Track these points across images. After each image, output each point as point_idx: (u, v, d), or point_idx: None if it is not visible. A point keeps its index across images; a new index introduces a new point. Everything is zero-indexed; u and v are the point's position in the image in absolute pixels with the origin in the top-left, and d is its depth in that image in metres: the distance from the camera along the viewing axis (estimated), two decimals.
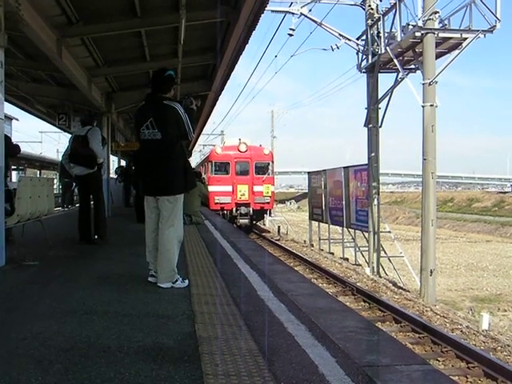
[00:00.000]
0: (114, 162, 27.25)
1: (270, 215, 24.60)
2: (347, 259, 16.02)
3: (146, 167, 4.45)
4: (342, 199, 16.25)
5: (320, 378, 2.43)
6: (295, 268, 11.85)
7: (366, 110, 14.91)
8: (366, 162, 14.75)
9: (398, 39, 12.45)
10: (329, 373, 2.49)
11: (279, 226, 24.73)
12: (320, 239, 19.08)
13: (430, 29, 11.49)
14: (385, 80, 15.54)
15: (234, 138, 24.11)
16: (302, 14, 14.80)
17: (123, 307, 3.65)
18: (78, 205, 9.05)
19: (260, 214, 22.18)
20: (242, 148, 21.47)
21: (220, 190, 20.67)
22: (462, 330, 8.15)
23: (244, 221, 20.97)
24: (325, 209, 18.44)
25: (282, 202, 65.29)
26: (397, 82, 13.82)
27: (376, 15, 14.16)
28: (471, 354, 6.38)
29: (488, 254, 22.75)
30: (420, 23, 11.44)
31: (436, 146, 11.71)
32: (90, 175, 7.04)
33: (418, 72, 12.70)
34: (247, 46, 9.39)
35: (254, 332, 3.10)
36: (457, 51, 11.95)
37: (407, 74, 13.38)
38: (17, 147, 6.96)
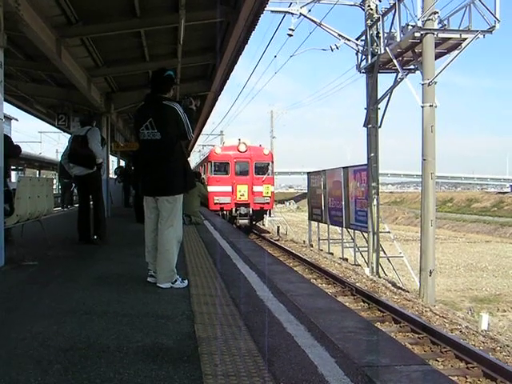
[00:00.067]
0: (113, 162, 27.27)
1: (269, 215, 24.60)
2: (346, 259, 16.03)
3: (145, 167, 4.45)
4: (342, 199, 16.25)
5: (319, 378, 2.43)
6: (294, 268, 11.84)
7: (365, 111, 14.93)
8: (366, 163, 14.76)
9: (398, 39, 12.46)
10: (328, 373, 2.49)
11: (278, 227, 24.74)
12: (319, 239, 19.09)
13: (430, 29, 11.50)
14: (384, 80, 15.62)
15: (233, 138, 24.09)
16: (301, 14, 14.81)
17: (122, 307, 3.65)
18: (77, 205, 9.05)
19: (260, 214, 22.14)
20: (242, 148, 21.43)
21: (219, 191, 20.64)
22: (461, 330, 8.16)
23: (244, 221, 20.93)
24: (324, 209, 18.45)
25: (282, 202, 65.30)
26: (396, 83, 13.84)
27: (375, 15, 14.18)
28: (470, 355, 6.38)
29: (487, 255, 22.77)
30: (419, 23, 11.44)
31: (435, 147, 11.72)
32: (89, 175, 7.04)
33: (418, 72, 12.71)
34: (247, 46, 9.40)
35: (253, 332, 3.10)
36: (456, 51, 11.96)
37: (406, 75, 13.39)
38: (18, 148, 6.96)
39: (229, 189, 20.90)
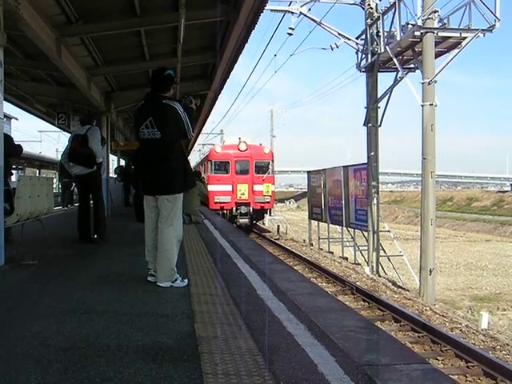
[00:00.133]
0: (113, 161, 27.28)
1: (269, 214, 24.57)
2: (346, 258, 16.03)
3: (145, 166, 4.44)
4: (342, 198, 16.25)
5: (319, 377, 2.43)
6: (295, 267, 11.84)
7: (365, 109, 14.92)
8: (366, 161, 14.75)
9: (398, 38, 12.44)
10: (328, 372, 2.49)
11: (279, 226, 24.73)
12: (319, 238, 19.09)
13: (430, 28, 11.49)
14: (384, 79, 15.59)
15: (233, 136, 24.03)
16: (301, 13, 14.80)
17: (122, 306, 3.65)
18: (77, 204, 9.05)
19: (260, 213, 22.08)
20: (242, 147, 21.36)
21: (220, 190, 20.60)
22: (461, 329, 8.15)
23: (244, 220, 20.88)
24: (324, 208, 18.45)
25: (282, 201, 65.30)
26: (396, 81, 13.83)
27: (375, 14, 14.16)
28: (470, 353, 6.38)
29: (487, 253, 22.77)
30: (419, 22, 11.43)
31: (435, 145, 11.72)
32: (89, 174, 7.04)
33: (418, 71, 12.70)
34: (247, 45, 9.39)
35: (253, 331, 3.10)
36: (456, 50, 11.96)
37: (406, 74, 13.39)
38: (19, 147, 6.96)
39: (229, 188, 20.86)
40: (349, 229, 16.44)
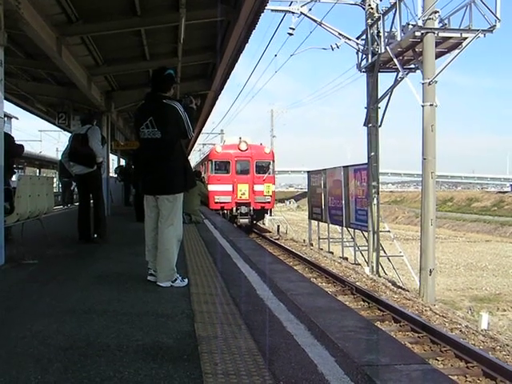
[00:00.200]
0: (113, 160, 27.27)
1: (270, 215, 24.54)
2: (346, 258, 16.03)
3: (145, 166, 4.44)
4: (342, 198, 16.26)
5: (319, 377, 2.43)
6: (295, 267, 11.84)
7: (365, 110, 14.92)
8: (366, 162, 14.75)
9: (398, 39, 12.45)
10: (328, 372, 2.49)
11: (279, 226, 24.71)
12: (319, 238, 19.09)
13: (430, 28, 11.50)
14: (385, 79, 15.57)
15: (234, 136, 24.02)
16: (301, 13, 14.80)
17: (122, 306, 3.65)
18: (77, 203, 9.05)
19: (260, 213, 22.04)
20: (243, 147, 21.32)
21: (220, 190, 20.57)
22: (461, 329, 8.16)
23: (244, 220, 20.84)
24: (324, 208, 18.45)
25: (282, 201, 65.31)
26: (396, 82, 13.83)
27: (376, 15, 14.17)
28: (470, 354, 6.39)
29: (487, 254, 22.77)
30: (420, 23, 11.44)
31: (436, 146, 11.72)
32: (89, 174, 7.04)
33: (418, 71, 12.71)
34: (247, 45, 9.39)
35: (253, 331, 3.10)
36: (457, 51, 11.96)
37: (407, 74, 13.39)
38: (20, 147, 6.96)
39: (229, 188, 20.83)
40: (349, 229, 16.44)
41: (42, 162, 35.50)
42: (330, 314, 3.95)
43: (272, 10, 14.81)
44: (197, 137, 30.80)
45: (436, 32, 11.54)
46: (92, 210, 7.26)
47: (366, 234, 14.91)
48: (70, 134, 8.61)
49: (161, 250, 4.28)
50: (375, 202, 14.30)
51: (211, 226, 10.79)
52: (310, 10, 14.85)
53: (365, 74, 15.01)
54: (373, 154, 14.56)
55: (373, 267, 14.15)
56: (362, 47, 14.75)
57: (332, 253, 17.12)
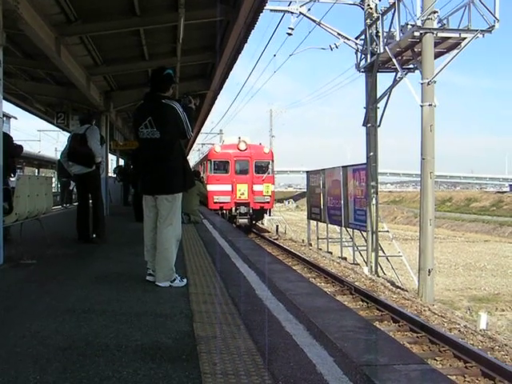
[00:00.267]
0: (112, 160, 27.31)
1: (269, 215, 24.52)
2: (345, 258, 16.04)
3: (144, 166, 4.45)
4: (341, 198, 16.26)
5: (318, 377, 2.43)
6: (293, 267, 11.85)
7: (364, 110, 14.93)
8: (365, 162, 14.76)
9: (397, 39, 12.45)
10: (327, 372, 2.49)
11: (277, 226, 24.70)
12: (318, 238, 19.10)
13: (429, 28, 11.50)
14: (383, 79, 15.69)
15: (233, 136, 23.99)
16: (300, 13, 14.81)
17: (121, 306, 3.65)
18: (76, 203, 9.04)
19: (260, 213, 21.98)
20: (242, 146, 21.27)
21: (219, 190, 20.52)
22: (459, 329, 8.16)
23: (243, 220, 20.80)
24: (323, 208, 18.45)
25: (281, 201, 65.31)
26: (395, 82, 13.85)
27: (375, 15, 14.17)
28: (469, 354, 6.39)
29: (486, 254, 22.78)
30: (419, 23, 11.44)
31: (434, 146, 11.72)
32: (88, 174, 7.04)
33: (417, 71, 12.72)
34: (246, 44, 9.40)
35: (252, 331, 3.10)
36: (455, 51, 11.97)
37: (406, 74, 13.40)
38: (19, 148, 6.96)
39: (228, 188, 20.78)
40: (348, 229, 16.45)
41: (40, 162, 35.44)
42: (328, 313, 3.95)
43: (271, 10, 14.83)
44: (196, 136, 30.77)
45: (435, 32, 11.55)
46: (91, 209, 7.26)
47: (364, 234, 14.92)
48: (68, 134, 8.61)
49: (160, 250, 4.28)
50: (374, 201, 14.31)
51: (210, 226, 10.79)
52: (309, 10, 14.88)
53: (364, 73, 15.02)
54: (372, 154, 14.57)
55: (372, 267, 14.16)
56: (360, 47, 14.76)
57: (331, 253, 17.12)
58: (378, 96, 14.53)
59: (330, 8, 18.69)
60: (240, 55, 10.17)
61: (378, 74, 14.43)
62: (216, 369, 2.45)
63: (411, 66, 13.70)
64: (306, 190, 24.14)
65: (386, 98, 14.31)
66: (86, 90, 10.90)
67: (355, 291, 10.04)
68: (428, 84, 11.52)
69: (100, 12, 7.97)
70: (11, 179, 6.90)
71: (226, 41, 9.23)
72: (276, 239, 20.24)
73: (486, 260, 20.67)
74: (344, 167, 16.24)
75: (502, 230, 35.39)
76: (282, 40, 16.64)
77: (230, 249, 7.13)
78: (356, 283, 11.12)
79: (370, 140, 14.70)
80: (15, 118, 37.60)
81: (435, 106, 11.64)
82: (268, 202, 21.50)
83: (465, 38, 11.52)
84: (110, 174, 20.27)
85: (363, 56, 14.66)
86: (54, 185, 22.88)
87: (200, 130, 25.12)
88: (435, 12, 11.60)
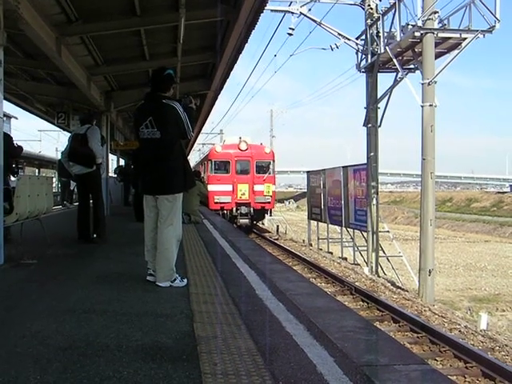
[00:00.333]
0: (112, 160, 27.31)
1: (270, 215, 24.48)
2: (346, 259, 16.03)
3: (145, 166, 4.44)
4: (341, 199, 16.25)
5: (318, 377, 2.43)
6: (294, 267, 11.85)
7: (365, 110, 14.93)
8: (365, 162, 14.76)
9: (398, 39, 12.45)
10: (327, 372, 2.49)
11: (278, 226, 24.69)
12: (319, 239, 19.09)
13: (430, 29, 11.49)
14: (384, 80, 15.58)
15: (234, 135, 23.93)
16: (301, 13, 14.80)
17: (122, 306, 3.65)
18: (76, 203, 9.06)
19: (261, 213, 21.89)
20: (243, 146, 21.20)
21: (220, 190, 20.46)
22: (460, 329, 8.16)
23: (244, 221, 20.71)
24: (323, 208, 18.44)
25: (281, 201, 65.30)
26: (396, 82, 13.83)
27: (375, 15, 14.17)
28: (469, 354, 6.39)
29: (486, 254, 22.78)
30: (419, 23, 11.43)
31: (435, 146, 11.72)
32: (89, 174, 7.04)
33: (418, 72, 12.70)
34: (247, 44, 9.41)
35: (252, 331, 3.10)
36: (456, 51, 11.96)
37: (406, 74, 13.39)
38: (19, 149, 6.95)
39: (229, 188, 20.72)
40: (348, 229, 16.44)
41: (41, 162, 35.45)
42: (329, 314, 3.95)
43: (271, 10, 14.83)
44: (196, 137, 30.79)
45: (435, 32, 11.54)
46: (91, 209, 7.26)
47: (365, 234, 14.91)
48: (69, 134, 8.61)
49: (160, 250, 4.28)
50: (374, 202, 14.30)
51: (210, 226, 10.80)
52: (310, 10, 14.87)
53: (364, 74, 15.01)
54: (372, 154, 14.56)
55: (372, 267, 14.15)
56: (361, 47, 14.75)
57: (331, 253, 17.12)
58: (378, 96, 14.52)
59: (331, 8, 18.69)
60: (240, 55, 10.20)
61: (378, 74, 14.43)
62: (216, 369, 2.45)
63: (412, 66, 13.68)
64: (306, 191, 24.14)
65: (386, 98, 14.30)
66: (86, 90, 10.91)
67: (356, 291, 10.03)
68: (428, 84, 11.51)
69: (100, 12, 7.98)
70: (12, 179, 6.91)
71: (227, 41, 9.23)
72: (276, 239, 20.23)
73: (487, 260, 20.66)
74: (344, 167, 16.23)
75: (502, 230, 35.38)
76: (283, 40, 16.66)
77: (230, 249, 7.13)
78: (356, 283, 11.11)
79: (371, 140, 14.69)
80: (16, 118, 37.66)
81: (436, 106, 11.63)
82: (269, 202, 21.43)
83: (465, 39, 11.51)
84: (110, 174, 20.29)
85: (364, 56, 14.66)
86: (54, 185, 22.90)
87: (200, 130, 25.12)
88: (436, 12, 11.59)
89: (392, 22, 12.88)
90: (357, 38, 14.94)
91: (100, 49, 9.77)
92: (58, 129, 26.57)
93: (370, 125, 14.70)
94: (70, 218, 8.34)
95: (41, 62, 9.81)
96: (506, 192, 56.01)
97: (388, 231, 16.08)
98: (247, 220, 20.86)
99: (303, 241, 20.95)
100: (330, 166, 18.38)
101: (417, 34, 11.56)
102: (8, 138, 6.30)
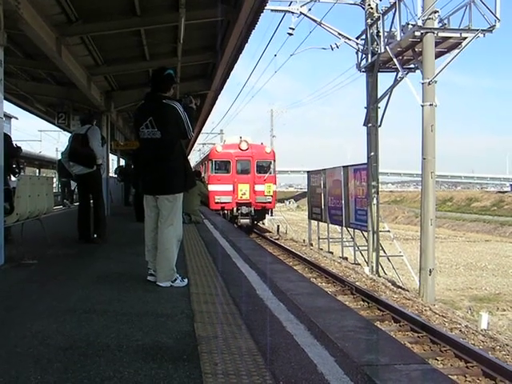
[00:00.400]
0: (113, 160, 27.30)
1: (271, 215, 24.45)
2: (346, 258, 16.03)
3: (145, 166, 4.44)
4: (342, 198, 16.25)
5: (319, 377, 2.43)
6: (294, 267, 11.85)
7: (365, 109, 14.93)
8: (366, 162, 14.76)
9: (398, 38, 12.45)
10: (328, 372, 2.49)
11: (278, 226, 24.67)
12: (319, 238, 19.09)
13: (430, 28, 11.50)
14: (384, 79, 15.58)
15: (234, 135, 23.87)
16: (301, 13, 14.81)
17: (122, 306, 3.65)
18: (77, 203, 9.06)
19: (261, 213, 21.81)
20: (243, 146, 21.12)
21: (220, 190, 20.40)
22: (460, 329, 8.16)
23: (245, 221, 20.64)
24: (324, 208, 18.44)
25: (282, 201, 65.29)
26: (396, 82, 13.83)
27: (376, 14, 14.17)
28: (470, 354, 6.39)
29: (487, 254, 22.77)
30: (420, 22, 11.44)
31: (435, 146, 11.72)
32: (89, 174, 7.04)
33: (418, 71, 12.71)
34: (247, 44, 9.40)
35: (253, 331, 3.10)
36: (456, 51, 11.96)
37: (407, 74, 13.39)
38: (18, 149, 6.95)
39: (230, 188, 20.66)
40: (348, 229, 16.44)
41: (41, 162, 35.49)
42: (329, 313, 3.95)
43: (272, 10, 14.84)
44: (196, 137, 30.79)
45: (436, 32, 11.54)
46: (92, 210, 7.26)
47: (365, 233, 14.91)
48: (69, 134, 8.61)
49: (161, 250, 4.28)
50: (375, 201, 14.30)
51: (211, 226, 10.80)
52: (310, 9, 14.88)
53: (364, 73, 15.02)
54: (372, 153, 14.56)
55: (372, 267, 14.15)
56: (361, 47, 14.76)
57: (332, 253, 17.12)
58: (378, 96, 14.53)
59: (331, 8, 18.67)
60: (241, 55, 10.19)
61: (378, 73, 14.42)
62: (217, 369, 2.45)
63: (412, 65, 13.69)
64: (306, 190, 24.13)
65: (386, 97, 14.30)
66: (86, 90, 10.91)
67: (356, 291, 10.03)
68: (429, 84, 11.51)
69: (101, 12, 7.98)
70: (13, 179, 6.91)
71: (227, 41, 9.23)
72: (277, 239, 20.21)
73: (487, 260, 20.66)
74: (345, 167, 16.24)
75: (502, 229, 35.36)
76: (283, 40, 16.63)
77: (231, 249, 7.13)
78: (357, 283, 11.11)
79: (371, 140, 14.69)
80: (16, 118, 37.59)
81: (436, 105, 11.64)
82: (270, 202, 21.36)
83: (465, 38, 11.51)
84: (111, 175, 20.29)
85: (364, 56, 14.66)
86: (54, 185, 22.90)
87: (201, 130, 25.09)
88: (436, 12, 11.60)
89: (392, 22, 12.89)
90: (357, 38, 14.95)
91: (100, 49, 9.77)
92: (58, 129, 26.59)
93: (370, 124, 14.70)
94: (71, 218, 8.34)
95: (41, 62, 9.81)
96: (506, 191, 55.96)
97: (388, 231, 16.08)
98: (248, 220, 20.79)
99: (304, 241, 20.94)
100: (331, 165, 18.40)
101: (417, 33, 11.57)
102: (7, 138, 6.29)
